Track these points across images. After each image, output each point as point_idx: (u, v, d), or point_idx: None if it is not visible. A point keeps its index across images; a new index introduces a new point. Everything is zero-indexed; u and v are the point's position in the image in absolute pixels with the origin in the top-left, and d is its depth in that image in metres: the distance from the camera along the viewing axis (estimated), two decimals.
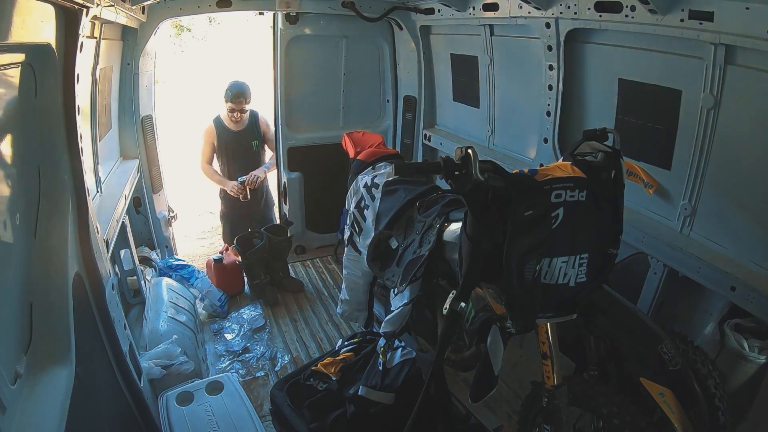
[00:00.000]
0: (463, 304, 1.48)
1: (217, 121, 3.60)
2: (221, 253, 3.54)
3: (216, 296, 3.25)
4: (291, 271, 3.73)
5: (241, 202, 3.63)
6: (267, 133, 3.74)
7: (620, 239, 1.46)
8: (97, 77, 2.30)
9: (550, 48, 2.41)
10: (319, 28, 3.62)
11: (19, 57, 1.29)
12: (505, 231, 1.35)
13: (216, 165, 3.73)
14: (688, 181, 1.95)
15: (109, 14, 1.97)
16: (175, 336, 2.47)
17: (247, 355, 2.87)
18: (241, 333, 3.03)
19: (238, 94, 3.48)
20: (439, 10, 3.16)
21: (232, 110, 3.49)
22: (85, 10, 1.55)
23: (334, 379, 2.15)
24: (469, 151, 1.31)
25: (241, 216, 3.79)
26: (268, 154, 3.83)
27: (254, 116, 3.66)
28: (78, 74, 1.59)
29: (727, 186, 1.85)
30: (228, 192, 3.64)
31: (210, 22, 15.41)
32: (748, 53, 1.65)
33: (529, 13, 2.42)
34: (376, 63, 3.90)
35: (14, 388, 1.12)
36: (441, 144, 3.60)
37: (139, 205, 3.31)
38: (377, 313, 2.64)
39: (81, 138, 1.61)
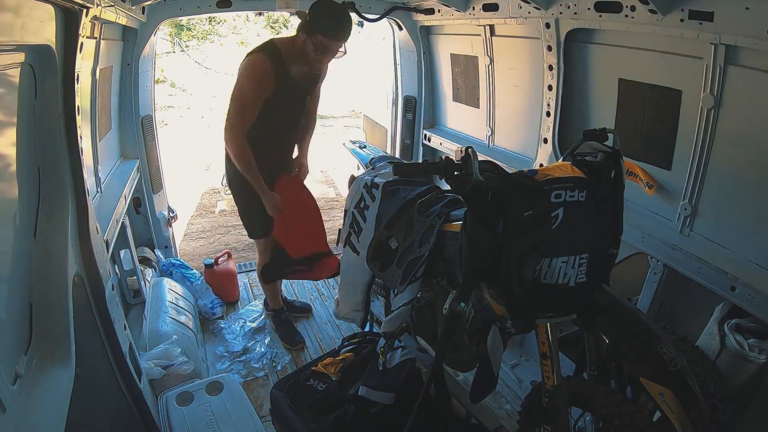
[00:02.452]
0: (463, 305, 1.48)
1: (278, 56, 2.13)
2: (217, 260, 3.36)
3: (210, 298, 3.23)
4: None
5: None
6: (317, 89, 2.52)
7: (620, 239, 1.46)
8: (97, 77, 2.30)
9: (550, 48, 2.41)
10: None
11: (19, 57, 1.29)
12: (504, 231, 1.36)
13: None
14: (688, 181, 1.94)
15: (109, 14, 1.97)
16: (175, 336, 2.47)
17: (247, 355, 2.86)
18: (242, 333, 3.03)
19: (346, 28, 2.16)
20: (439, 10, 3.16)
21: (325, 50, 2.14)
22: (85, 10, 1.55)
23: (334, 379, 2.15)
24: (469, 151, 1.31)
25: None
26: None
27: None
28: (78, 74, 1.59)
29: (727, 186, 1.85)
30: (266, 207, 2.42)
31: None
32: (748, 53, 1.65)
33: (529, 13, 2.42)
34: None
35: (14, 388, 1.12)
36: (441, 144, 3.60)
37: (139, 206, 3.31)
38: (377, 314, 2.64)
39: (81, 138, 1.61)
